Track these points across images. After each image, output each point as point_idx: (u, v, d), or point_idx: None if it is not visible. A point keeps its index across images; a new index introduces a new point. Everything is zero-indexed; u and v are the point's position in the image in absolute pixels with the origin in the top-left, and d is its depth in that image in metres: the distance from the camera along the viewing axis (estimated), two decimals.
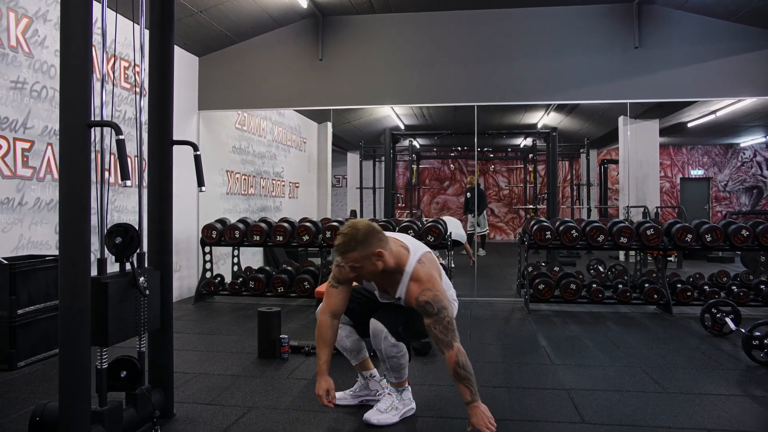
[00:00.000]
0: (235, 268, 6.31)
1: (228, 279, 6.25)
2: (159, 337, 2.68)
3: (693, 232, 5.21)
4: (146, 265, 2.60)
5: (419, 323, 2.43)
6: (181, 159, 2.77)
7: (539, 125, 10.86)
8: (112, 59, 4.82)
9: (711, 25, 5.70)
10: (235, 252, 6.33)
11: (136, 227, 2.44)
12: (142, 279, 2.42)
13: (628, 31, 5.80)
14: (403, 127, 11.04)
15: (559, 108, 9.90)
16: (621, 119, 8.99)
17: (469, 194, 10.77)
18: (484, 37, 6.03)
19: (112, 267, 2.44)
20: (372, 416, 2.60)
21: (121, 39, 4.70)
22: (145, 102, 2.63)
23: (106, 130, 2.33)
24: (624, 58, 5.82)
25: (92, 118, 2.10)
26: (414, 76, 6.15)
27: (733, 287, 5.39)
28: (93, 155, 2.11)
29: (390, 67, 6.18)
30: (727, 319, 4.24)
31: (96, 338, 2.23)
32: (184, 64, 6.06)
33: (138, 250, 2.45)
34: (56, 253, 4.02)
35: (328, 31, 6.23)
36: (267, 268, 6.19)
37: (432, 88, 6.13)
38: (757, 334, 3.56)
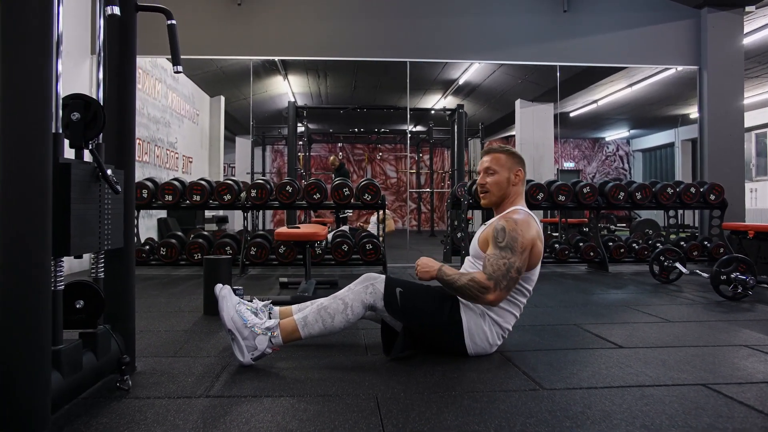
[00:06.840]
0: (135, 239, 5.42)
1: None
2: (118, 261, 2.01)
3: (625, 190, 5.34)
4: None
5: (421, 314, 2.16)
6: None
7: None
8: None
9: None
10: (137, 220, 5.44)
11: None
12: (110, 171, 1.77)
13: None
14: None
15: (457, 91, 9.95)
16: (518, 102, 9.20)
17: (334, 175, 10.45)
18: None
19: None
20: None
21: None
22: None
23: None
24: (554, 21, 5.86)
25: None
26: (343, 28, 5.72)
27: (658, 244, 5.61)
28: None
29: (318, 17, 5.69)
30: (677, 264, 4.33)
31: (53, 244, 1.53)
32: None
33: (101, 134, 1.79)
34: None
35: None
36: (179, 233, 5.40)
37: (363, 41, 5.75)
38: (724, 270, 3.63)
